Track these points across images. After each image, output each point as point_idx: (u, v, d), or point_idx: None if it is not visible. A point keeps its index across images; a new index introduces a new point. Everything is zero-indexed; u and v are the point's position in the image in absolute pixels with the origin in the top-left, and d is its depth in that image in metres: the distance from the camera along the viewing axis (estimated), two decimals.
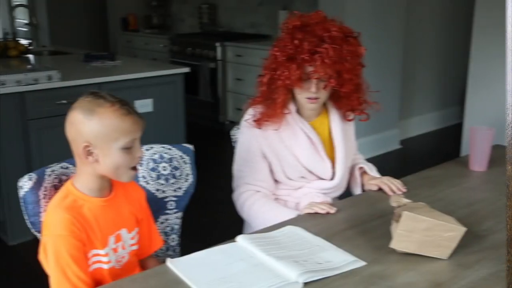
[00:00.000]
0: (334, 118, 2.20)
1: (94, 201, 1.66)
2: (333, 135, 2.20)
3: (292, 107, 2.12)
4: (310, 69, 1.98)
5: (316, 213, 1.90)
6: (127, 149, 1.61)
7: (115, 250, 1.71)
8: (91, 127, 1.57)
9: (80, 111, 1.58)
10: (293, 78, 1.99)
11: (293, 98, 2.12)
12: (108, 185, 1.72)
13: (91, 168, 1.63)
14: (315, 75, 1.98)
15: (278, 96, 2.06)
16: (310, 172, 2.15)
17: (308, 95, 2.05)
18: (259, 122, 2.10)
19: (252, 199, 2.12)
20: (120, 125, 1.59)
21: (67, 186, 1.68)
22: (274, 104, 2.07)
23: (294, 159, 2.12)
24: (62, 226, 1.58)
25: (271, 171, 2.17)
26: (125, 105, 1.61)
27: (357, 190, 2.26)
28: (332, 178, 2.18)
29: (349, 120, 2.25)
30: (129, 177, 1.68)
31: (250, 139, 2.14)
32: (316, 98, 2.06)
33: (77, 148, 1.61)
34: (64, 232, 1.58)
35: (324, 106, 2.21)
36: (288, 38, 2.01)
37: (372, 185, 2.15)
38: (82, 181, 1.66)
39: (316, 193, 2.16)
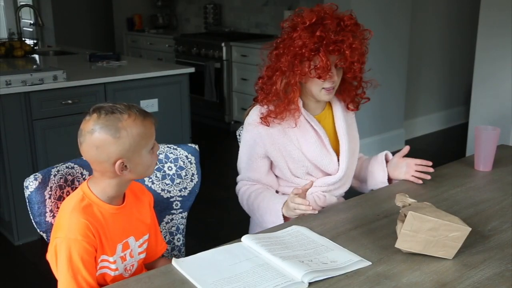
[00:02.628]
0: (337, 109, 2.22)
1: (107, 208, 1.66)
2: (336, 127, 2.21)
3: (299, 102, 2.13)
4: (335, 58, 2.01)
5: (316, 213, 1.91)
6: (152, 149, 1.66)
7: (123, 258, 1.71)
8: (122, 144, 1.57)
9: (103, 132, 1.56)
10: (319, 71, 2.00)
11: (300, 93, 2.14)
12: (124, 193, 1.73)
13: (118, 180, 1.64)
14: (345, 63, 2.02)
15: (292, 92, 2.08)
16: (316, 167, 2.15)
17: (327, 85, 2.06)
18: (266, 119, 2.11)
19: (249, 191, 2.17)
20: (144, 131, 1.61)
21: (83, 189, 1.67)
22: (287, 100, 2.08)
23: (300, 154, 2.13)
24: (78, 230, 1.58)
25: (278, 169, 2.18)
26: (138, 110, 1.62)
27: (372, 183, 2.29)
28: (337, 172, 2.19)
29: (351, 110, 2.26)
30: (153, 170, 1.74)
31: (254, 137, 2.15)
32: (333, 88, 2.09)
33: (107, 167, 1.60)
34: (79, 237, 1.58)
35: None
36: (307, 33, 1.99)
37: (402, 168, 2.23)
38: (101, 188, 1.66)
39: (321, 192, 2.17)
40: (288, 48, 2.04)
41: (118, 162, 1.58)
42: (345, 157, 2.18)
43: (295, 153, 2.13)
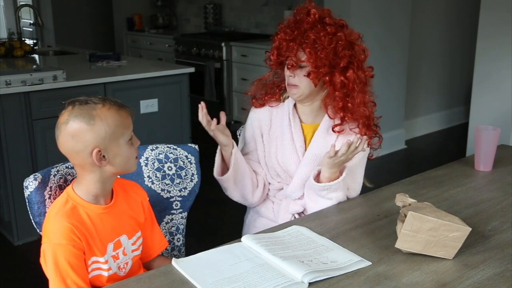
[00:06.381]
0: (321, 126, 2.08)
1: (93, 209, 1.65)
2: (310, 143, 2.09)
3: (290, 103, 2.12)
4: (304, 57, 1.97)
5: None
6: (130, 140, 1.64)
7: (115, 257, 1.70)
8: (97, 131, 1.56)
9: (78, 120, 1.55)
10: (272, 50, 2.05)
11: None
12: (110, 190, 1.71)
13: (98, 174, 1.62)
14: (291, 61, 1.98)
15: (281, 73, 2.12)
16: (285, 171, 2.12)
17: (288, 80, 2.04)
18: (257, 101, 2.18)
19: None
20: (120, 120, 1.60)
21: (67, 191, 1.66)
22: (276, 81, 2.15)
23: (273, 155, 2.13)
24: (62, 234, 1.57)
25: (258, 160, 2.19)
26: (113, 101, 1.61)
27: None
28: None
29: (336, 132, 2.05)
30: (136, 166, 1.71)
31: (251, 122, 2.19)
32: (294, 86, 2.01)
33: (84, 158, 1.58)
34: (63, 241, 1.57)
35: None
36: (288, 27, 2.03)
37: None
38: (85, 188, 1.64)
39: (293, 200, 2.14)
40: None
41: (95, 151, 1.56)
42: (304, 167, 2.06)
43: (273, 143, 2.14)
